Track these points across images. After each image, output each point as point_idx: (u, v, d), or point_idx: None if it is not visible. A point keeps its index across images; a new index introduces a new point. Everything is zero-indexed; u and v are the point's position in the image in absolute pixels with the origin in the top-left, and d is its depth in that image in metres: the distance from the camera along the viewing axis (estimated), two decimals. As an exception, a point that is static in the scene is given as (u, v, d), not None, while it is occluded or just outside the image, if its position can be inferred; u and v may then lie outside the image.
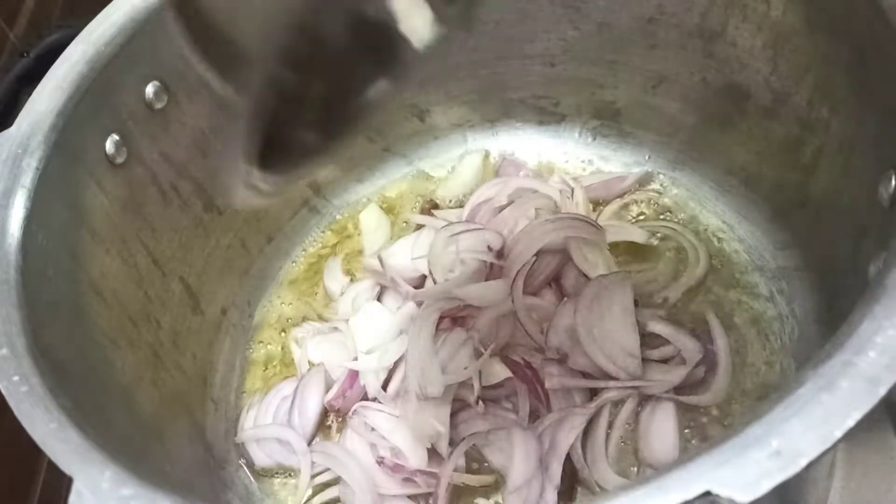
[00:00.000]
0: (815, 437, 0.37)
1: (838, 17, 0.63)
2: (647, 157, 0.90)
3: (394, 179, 0.96)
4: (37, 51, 0.72)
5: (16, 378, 0.48)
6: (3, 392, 0.48)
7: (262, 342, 0.86)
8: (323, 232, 0.94)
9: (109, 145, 0.67)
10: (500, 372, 0.72)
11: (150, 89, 0.70)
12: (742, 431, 0.37)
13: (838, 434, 0.37)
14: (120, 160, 0.68)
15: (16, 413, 0.46)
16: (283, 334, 0.86)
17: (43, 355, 0.50)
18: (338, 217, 0.95)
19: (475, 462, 0.72)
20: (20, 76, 0.72)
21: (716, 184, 0.85)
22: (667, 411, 0.70)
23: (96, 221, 0.65)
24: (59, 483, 0.82)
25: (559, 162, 0.93)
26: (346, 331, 0.81)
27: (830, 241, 0.67)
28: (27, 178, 0.59)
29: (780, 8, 0.68)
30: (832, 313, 0.68)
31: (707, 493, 0.36)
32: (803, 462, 0.36)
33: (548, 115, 0.93)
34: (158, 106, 0.71)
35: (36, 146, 0.60)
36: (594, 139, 0.93)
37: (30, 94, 0.64)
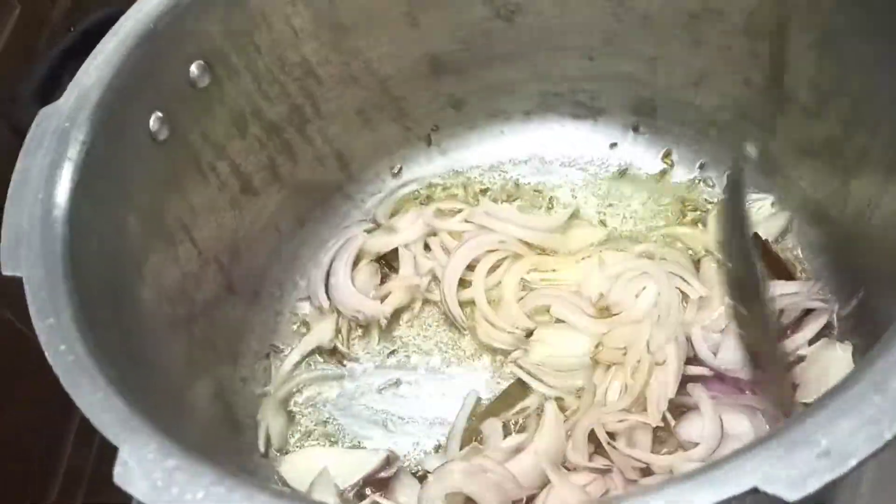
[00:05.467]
0: (865, 438, 0.36)
1: (886, 19, 0.62)
2: (680, 154, 0.90)
3: (427, 168, 0.96)
4: (83, 26, 0.72)
5: (62, 347, 0.48)
6: (50, 361, 0.48)
7: (291, 325, 0.87)
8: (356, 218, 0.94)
9: (153, 122, 0.67)
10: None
11: (194, 68, 0.70)
12: (792, 429, 0.37)
13: (888, 435, 0.37)
14: (162, 137, 0.68)
15: (62, 382, 0.47)
16: (304, 328, 0.86)
17: (88, 326, 0.51)
18: (369, 205, 0.95)
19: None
20: (65, 49, 0.72)
21: (751, 182, 0.84)
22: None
23: (138, 197, 0.66)
24: (82, 470, 0.80)
25: (591, 155, 0.93)
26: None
27: (870, 243, 0.67)
28: (73, 151, 0.60)
29: (827, 9, 0.68)
30: (868, 313, 0.67)
31: (755, 490, 0.36)
32: (853, 462, 0.36)
33: (585, 108, 0.92)
34: (201, 85, 0.71)
35: (83, 120, 0.61)
36: (629, 134, 0.93)
37: (74, 69, 0.64)
